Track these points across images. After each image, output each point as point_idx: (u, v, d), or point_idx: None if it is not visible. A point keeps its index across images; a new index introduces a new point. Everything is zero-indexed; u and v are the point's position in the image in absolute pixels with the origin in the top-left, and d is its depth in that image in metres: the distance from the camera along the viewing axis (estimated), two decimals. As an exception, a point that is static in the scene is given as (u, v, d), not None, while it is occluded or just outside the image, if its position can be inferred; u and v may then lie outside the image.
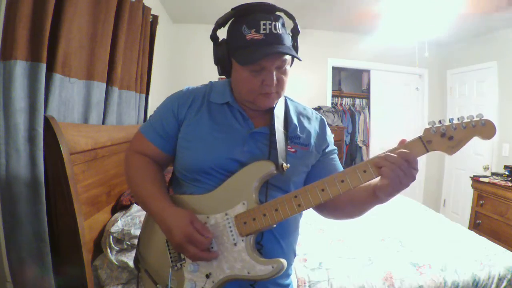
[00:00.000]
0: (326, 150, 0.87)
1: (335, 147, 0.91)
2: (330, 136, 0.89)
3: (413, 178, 0.65)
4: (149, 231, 0.83)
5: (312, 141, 0.83)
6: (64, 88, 1.29)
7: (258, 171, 0.73)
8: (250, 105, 0.79)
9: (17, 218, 1.07)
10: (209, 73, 3.43)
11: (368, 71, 3.99)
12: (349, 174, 0.67)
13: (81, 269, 1.18)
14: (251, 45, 0.70)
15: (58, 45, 1.21)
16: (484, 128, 0.63)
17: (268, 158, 0.74)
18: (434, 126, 0.66)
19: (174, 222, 0.70)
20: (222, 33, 0.77)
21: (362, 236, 1.81)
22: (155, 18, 2.40)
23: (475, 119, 0.64)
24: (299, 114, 0.87)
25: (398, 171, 0.63)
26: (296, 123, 0.83)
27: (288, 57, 0.74)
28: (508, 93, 3.12)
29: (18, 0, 1.04)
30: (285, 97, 0.88)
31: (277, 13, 0.74)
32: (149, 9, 2.21)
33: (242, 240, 0.71)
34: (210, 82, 0.87)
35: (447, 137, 0.65)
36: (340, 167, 0.89)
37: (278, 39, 0.70)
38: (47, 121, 1.12)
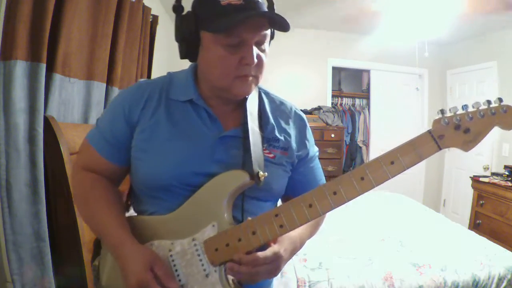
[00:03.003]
0: (306, 158, 0.74)
1: (316, 149, 0.78)
2: (310, 140, 0.76)
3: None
4: (111, 262, 0.67)
5: (293, 144, 0.71)
6: (64, 88, 1.29)
7: (228, 184, 0.60)
8: (224, 94, 0.65)
9: (17, 218, 1.07)
10: (209, 73, 3.42)
11: (368, 71, 3.99)
12: (342, 183, 0.56)
13: (81, 269, 1.18)
14: (228, 11, 0.56)
15: (58, 45, 1.21)
16: (505, 116, 0.52)
17: (242, 167, 0.62)
18: (445, 116, 0.54)
19: (130, 264, 0.57)
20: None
21: (362, 236, 1.81)
22: (155, 18, 2.40)
23: (494, 105, 0.52)
24: (276, 111, 0.73)
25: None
26: (273, 122, 0.70)
27: (268, 33, 0.61)
28: (508, 93, 3.12)
29: (18, 0, 1.04)
30: (258, 87, 0.73)
31: None
32: (149, 9, 2.21)
33: (215, 271, 0.59)
34: (169, 73, 0.72)
35: (463, 129, 0.53)
36: (321, 174, 0.78)
37: (261, 6, 0.59)
38: (47, 121, 1.12)
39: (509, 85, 3.12)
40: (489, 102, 0.52)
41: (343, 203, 0.56)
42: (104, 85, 1.60)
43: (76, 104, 1.39)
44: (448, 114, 0.54)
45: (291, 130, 0.72)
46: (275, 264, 0.57)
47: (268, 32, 0.62)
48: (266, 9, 0.61)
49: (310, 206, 0.56)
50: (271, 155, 0.67)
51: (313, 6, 2.85)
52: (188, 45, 0.63)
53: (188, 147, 0.63)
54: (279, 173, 0.68)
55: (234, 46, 0.58)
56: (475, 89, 3.56)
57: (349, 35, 3.72)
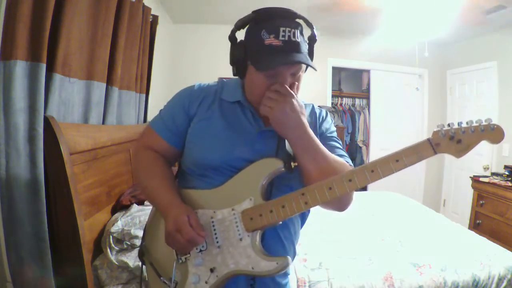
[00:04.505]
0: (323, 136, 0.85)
1: (333, 130, 0.89)
2: (326, 125, 0.87)
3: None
4: (156, 224, 0.84)
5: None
6: (64, 88, 1.29)
7: (266, 168, 0.73)
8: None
9: (17, 218, 1.07)
10: (209, 73, 3.42)
11: (368, 71, 3.99)
12: (357, 173, 0.68)
13: (81, 269, 1.18)
14: (269, 50, 0.70)
15: (58, 45, 1.21)
16: (493, 133, 0.64)
17: (276, 156, 0.75)
18: (443, 129, 0.66)
19: (172, 213, 0.72)
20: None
21: (362, 236, 1.81)
22: (155, 18, 2.40)
23: (484, 123, 0.64)
24: (306, 112, 0.86)
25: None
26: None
27: (303, 64, 0.75)
28: (508, 93, 3.12)
29: (18, 0, 1.04)
30: None
31: (297, 20, 0.74)
32: (149, 9, 2.21)
33: (248, 236, 0.72)
34: (222, 80, 0.88)
35: (456, 140, 0.65)
36: (338, 148, 0.85)
37: (296, 47, 0.71)
38: (47, 121, 1.12)
39: (509, 85, 3.12)
40: (480, 120, 0.65)
41: (356, 189, 0.69)
42: (104, 85, 1.60)
43: (76, 104, 1.39)
44: (446, 127, 0.66)
45: (314, 126, 0.84)
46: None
47: (302, 67, 0.75)
48: (303, 47, 0.73)
49: (330, 189, 0.68)
50: None
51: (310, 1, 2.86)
52: (238, 69, 0.78)
53: (235, 137, 0.78)
54: None
55: (272, 76, 0.73)
56: (475, 89, 3.56)
57: (349, 35, 3.72)
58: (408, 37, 3.44)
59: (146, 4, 2.14)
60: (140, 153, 0.86)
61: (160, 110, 0.87)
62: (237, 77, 0.83)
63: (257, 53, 0.72)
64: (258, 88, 0.75)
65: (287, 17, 0.72)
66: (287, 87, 0.72)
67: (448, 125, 0.66)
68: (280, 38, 0.70)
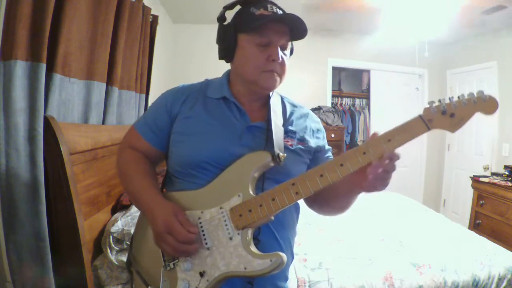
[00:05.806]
0: (323, 150, 0.88)
1: (330, 147, 0.92)
2: (324, 137, 0.91)
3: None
4: (142, 231, 0.81)
5: (308, 138, 0.84)
6: (64, 88, 1.29)
7: (253, 162, 0.71)
8: (253, 87, 0.78)
9: (17, 218, 1.07)
10: (209, 73, 3.42)
11: (368, 71, 3.99)
12: (348, 157, 0.65)
13: (81, 269, 1.18)
14: (261, 18, 0.72)
15: (58, 45, 1.21)
16: (486, 104, 0.62)
17: (264, 149, 0.73)
18: (434, 105, 0.64)
19: (158, 212, 0.70)
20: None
21: (362, 236, 1.81)
22: (155, 18, 2.40)
23: (476, 95, 0.63)
24: (295, 112, 0.88)
25: (387, 175, 0.65)
26: (293, 119, 0.85)
27: (289, 44, 0.78)
28: (508, 93, 3.12)
29: (18, 0, 1.04)
30: (280, 95, 0.90)
31: None
32: (149, 9, 2.21)
33: (238, 234, 0.68)
34: (206, 79, 0.87)
35: (448, 114, 0.63)
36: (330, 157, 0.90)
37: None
38: (47, 121, 1.12)
39: (509, 85, 3.12)
40: (472, 94, 0.63)
41: (349, 173, 0.65)
42: (104, 85, 1.60)
43: (76, 104, 1.39)
44: (436, 103, 0.64)
45: (307, 126, 0.86)
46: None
47: (289, 44, 0.79)
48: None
49: (321, 176, 0.65)
50: (289, 143, 0.79)
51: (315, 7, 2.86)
52: (227, 47, 0.78)
53: (221, 133, 0.76)
54: (296, 158, 0.80)
55: (264, 46, 0.74)
56: (475, 89, 3.41)
57: (349, 35, 3.72)
58: (408, 37, 3.44)
59: (146, 4, 2.14)
60: (123, 152, 0.86)
61: (144, 112, 0.87)
62: (222, 75, 0.85)
63: (249, 22, 0.73)
64: (251, 61, 0.75)
65: (269, 2, 0.78)
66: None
67: (439, 100, 0.64)
68: (269, 10, 0.74)
